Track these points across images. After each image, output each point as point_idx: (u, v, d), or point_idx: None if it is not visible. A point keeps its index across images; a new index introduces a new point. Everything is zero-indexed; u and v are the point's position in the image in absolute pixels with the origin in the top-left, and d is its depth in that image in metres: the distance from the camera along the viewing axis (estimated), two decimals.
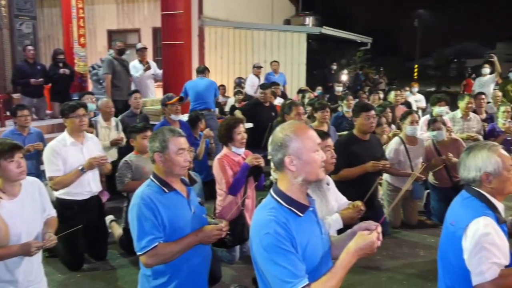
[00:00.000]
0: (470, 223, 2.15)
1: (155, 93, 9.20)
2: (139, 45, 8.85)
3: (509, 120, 6.50)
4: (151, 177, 2.65)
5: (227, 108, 9.59)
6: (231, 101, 9.86)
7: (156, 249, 2.46)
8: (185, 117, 6.42)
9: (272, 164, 2.02)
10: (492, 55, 10.41)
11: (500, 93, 8.55)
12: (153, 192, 2.54)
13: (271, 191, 1.96)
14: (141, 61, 8.53)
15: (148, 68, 8.45)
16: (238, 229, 3.93)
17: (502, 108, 6.58)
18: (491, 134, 6.45)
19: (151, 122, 6.26)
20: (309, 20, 15.92)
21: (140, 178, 4.18)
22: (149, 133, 4.31)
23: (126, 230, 4.34)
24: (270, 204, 1.91)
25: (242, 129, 4.22)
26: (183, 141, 2.66)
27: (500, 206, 2.26)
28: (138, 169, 4.32)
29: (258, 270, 1.92)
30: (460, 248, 2.19)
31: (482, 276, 2.09)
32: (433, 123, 5.48)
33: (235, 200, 4.09)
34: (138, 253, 2.51)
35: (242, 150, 4.26)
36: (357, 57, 18.63)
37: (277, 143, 1.90)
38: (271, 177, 5.20)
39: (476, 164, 2.24)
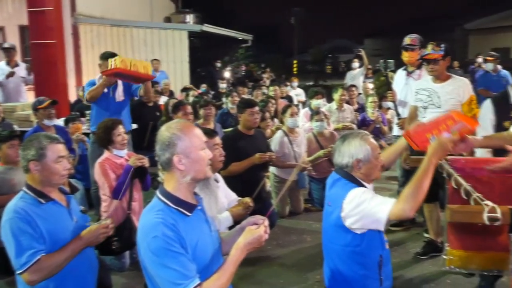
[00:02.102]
0: (345, 198, 2.32)
1: (27, 97, 8.47)
2: (6, 45, 8.07)
3: (376, 109, 7.12)
4: (24, 188, 2.43)
5: None
6: None
7: (40, 262, 2.26)
8: (61, 122, 6.01)
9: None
10: (361, 50, 11.28)
11: (370, 85, 9.32)
12: (27, 205, 2.34)
13: (157, 192, 1.93)
14: (8, 63, 7.79)
15: (11, 74, 7.71)
16: (126, 234, 3.79)
17: (370, 99, 7.21)
18: (362, 123, 7.02)
19: (22, 129, 5.75)
20: (190, 18, 15.84)
21: (8, 192, 3.71)
22: (16, 141, 3.92)
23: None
24: (157, 206, 1.87)
25: (122, 130, 4.09)
26: (62, 148, 2.48)
27: (369, 186, 2.47)
28: (5, 182, 3.86)
29: (148, 275, 1.87)
30: (339, 225, 2.35)
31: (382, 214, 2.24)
32: (316, 114, 5.84)
33: (121, 204, 3.95)
34: (19, 272, 2.28)
35: (124, 152, 4.13)
36: (239, 54, 19.01)
37: (164, 142, 1.87)
38: (159, 178, 5.09)
39: (350, 151, 2.42)
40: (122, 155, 4.10)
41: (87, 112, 7.75)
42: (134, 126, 6.67)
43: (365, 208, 2.26)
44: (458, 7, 33.72)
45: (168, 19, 16.04)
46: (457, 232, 2.88)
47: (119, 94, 5.27)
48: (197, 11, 16.74)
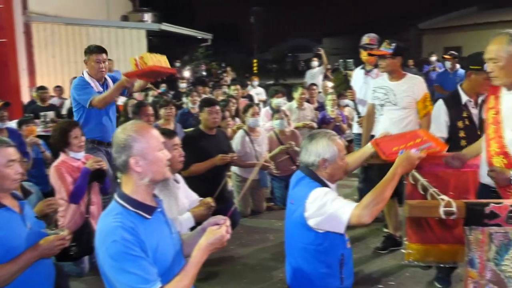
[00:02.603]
0: (308, 197, 2.34)
1: None
2: None
3: (336, 107, 7.22)
4: None
5: (64, 111, 8.88)
6: (68, 103, 9.16)
7: None
8: (13, 124, 5.78)
9: None
10: (320, 49, 11.41)
11: (329, 84, 9.43)
12: None
13: (115, 196, 1.88)
14: None
15: None
16: (84, 238, 3.69)
17: (329, 97, 7.30)
18: (323, 121, 7.09)
19: None
20: (147, 16, 15.60)
21: None
22: None
23: None
24: (115, 209, 1.83)
25: (79, 132, 3.97)
26: (12, 152, 2.38)
27: (332, 186, 2.49)
28: None
29: (108, 281, 1.82)
30: (302, 224, 2.36)
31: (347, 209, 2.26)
32: (277, 113, 5.87)
33: (79, 208, 3.84)
34: None
35: (81, 155, 4.01)
36: (199, 53, 18.87)
37: (120, 144, 1.82)
38: (119, 180, 4.98)
39: (317, 150, 2.43)
40: (79, 157, 3.98)
41: (42, 113, 7.52)
42: None
43: (328, 210, 2.27)
44: (412, 8, 34.78)
45: (125, 18, 15.73)
46: (415, 226, 2.96)
47: None
48: (155, 9, 16.52)
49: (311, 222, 2.33)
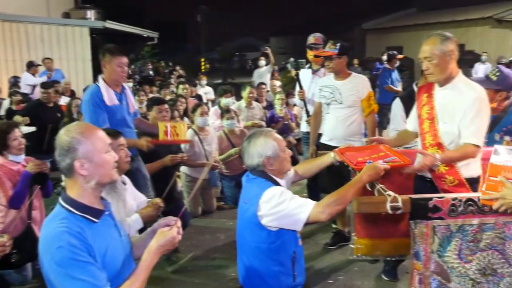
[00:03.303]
0: (262, 196, 2.34)
1: None
2: None
3: (284, 106, 7.31)
4: None
5: (2, 112, 8.45)
6: (6, 103, 8.72)
7: None
8: None
9: None
10: (267, 48, 11.51)
11: (277, 83, 9.53)
12: None
13: (60, 200, 1.81)
14: None
15: None
16: (27, 245, 3.51)
17: (278, 96, 7.39)
18: (271, 120, 7.16)
19: None
20: (91, 14, 15.11)
21: None
22: None
23: None
24: (60, 214, 1.76)
25: (18, 134, 3.78)
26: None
27: (282, 182, 2.52)
28: None
29: None
30: (255, 222, 2.36)
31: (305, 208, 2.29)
32: (227, 113, 5.85)
33: (19, 214, 3.65)
34: None
35: (21, 157, 3.82)
36: (145, 52, 18.52)
37: (64, 147, 1.75)
38: (62, 183, 4.79)
39: (257, 150, 2.44)
40: (19, 160, 3.79)
41: None
42: (32, 128, 6.22)
43: (285, 209, 2.29)
44: (356, 8, 35.69)
45: (66, 15, 15.15)
46: (363, 222, 3.04)
47: (132, 103, 4.06)
48: (99, 6, 16.00)
49: (264, 221, 2.34)
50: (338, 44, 4.24)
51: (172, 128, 3.79)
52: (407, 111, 3.81)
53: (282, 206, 2.30)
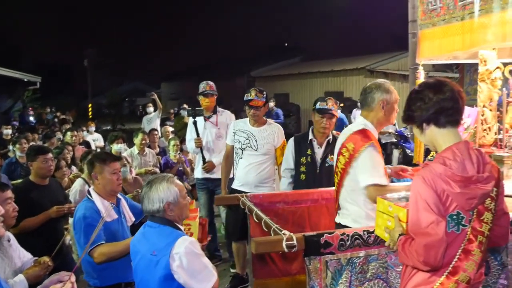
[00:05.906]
0: (173, 246, 2.30)
1: None
2: None
3: (178, 152, 7.29)
4: None
5: None
6: None
7: None
8: None
9: None
10: (153, 93, 11.58)
11: (170, 129, 9.49)
12: None
13: None
14: None
15: None
16: None
17: (172, 142, 7.36)
18: (166, 166, 7.08)
19: None
20: None
21: None
22: None
23: None
24: None
25: None
26: None
27: (182, 227, 2.52)
28: None
29: None
30: (167, 275, 2.30)
31: None
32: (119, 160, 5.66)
33: None
34: None
35: None
36: (25, 97, 17.36)
37: None
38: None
39: (159, 195, 2.42)
40: None
41: None
42: None
43: (201, 263, 2.36)
44: (244, 56, 37.28)
45: None
46: (260, 262, 3.12)
47: (130, 216, 3.49)
48: None
49: (179, 273, 2.29)
50: (265, 93, 4.39)
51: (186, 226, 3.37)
52: (299, 151, 4.04)
53: (200, 260, 2.36)
